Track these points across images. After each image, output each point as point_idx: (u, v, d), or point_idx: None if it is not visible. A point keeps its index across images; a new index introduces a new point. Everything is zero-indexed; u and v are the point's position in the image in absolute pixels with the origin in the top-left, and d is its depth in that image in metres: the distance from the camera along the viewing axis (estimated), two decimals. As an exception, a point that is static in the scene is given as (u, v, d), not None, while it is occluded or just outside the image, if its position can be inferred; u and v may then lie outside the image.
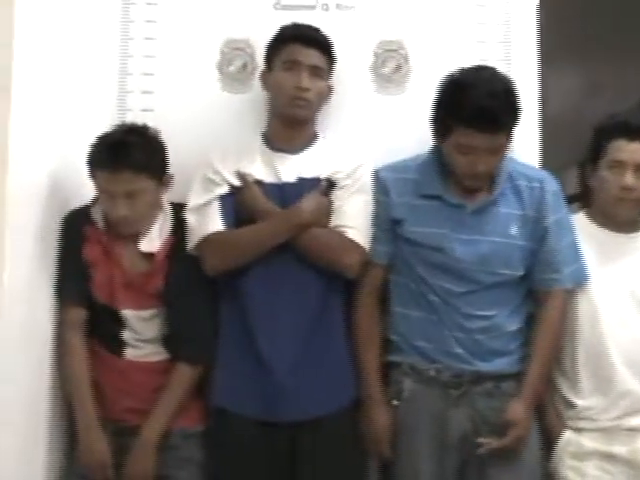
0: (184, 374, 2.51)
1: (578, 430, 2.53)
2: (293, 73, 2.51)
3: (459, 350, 2.44)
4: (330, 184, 2.53)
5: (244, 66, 2.75)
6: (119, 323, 2.52)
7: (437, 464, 2.43)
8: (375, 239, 2.53)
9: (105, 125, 2.57)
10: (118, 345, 2.53)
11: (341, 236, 2.49)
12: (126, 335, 2.53)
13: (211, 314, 2.53)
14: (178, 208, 2.55)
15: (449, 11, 2.76)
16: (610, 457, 2.50)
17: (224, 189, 2.52)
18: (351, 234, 2.49)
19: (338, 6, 2.75)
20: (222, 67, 2.76)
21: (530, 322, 2.52)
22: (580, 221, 2.62)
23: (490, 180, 2.48)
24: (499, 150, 2.41)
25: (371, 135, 2.71)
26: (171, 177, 2.55)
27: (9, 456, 2.27)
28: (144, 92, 2.75)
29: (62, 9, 2.54)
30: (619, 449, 2.50)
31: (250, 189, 2.51)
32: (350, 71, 2.70)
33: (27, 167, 2.34)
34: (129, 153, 2.42)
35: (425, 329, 2.47)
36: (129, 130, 2.51)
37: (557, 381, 2.56)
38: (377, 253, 2.53)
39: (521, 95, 2.43)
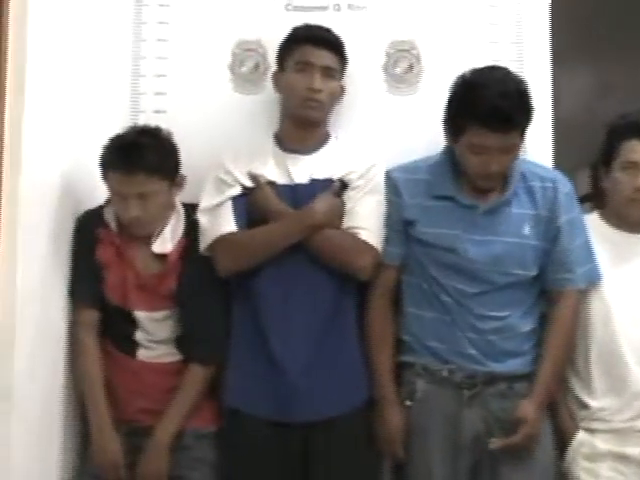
0: (197, 375, 2.51)
1: (591, 431, 2.52)
2: (305, 74, 2.51)
3: (472, 351, 2.44)
4: (343, 185, 2.53)
5: (256, 67, 2.76)
6: (132, 324, 2.53)
7: (450, 465, 2.43)
8: (387, 240, 2.52)
9: (118, 127, 2.58)
10: (131, 346, 2.53)
11: (354, 238, 2.49)
12: (139, 336, 2.53)
13: (224, 315, 2.54)
14: (191, 209, 2.55)
15: (461, 11, 2.76)
16: (623, 458, 2.49)
17: (236, 190, 2.53)
18: (364, 235, 2.49)
19: (350, 6, 2.75)
20: (234, 68, 2.76)
21: (543, 323, 2.51)
22: (593, 222, 2.61)
23: (503, 180, 2.48)
24: (512, 150, 2.41)
25: (383, 135, 2.70)
26: (183, 178, 2.55)
27: (23, 455, 2.27)
28: (157, 93, 2.75)
29: (75, 11, 2.55)
30: (632, 450, 2.49)
31: (263, 190, 2.52)
32: (362, 71, 2.69)
33: (40, 168, 2.34)
34: (142, 155, 2.43)
35: (438, 330, 2.47)
36: (142, 132, 2.52)
37: (570, 381, 2.56)
38: (389, 254, 2.53)
39: (533, 95, 2.42)
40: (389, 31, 2.75)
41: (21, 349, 2.24)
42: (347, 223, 2.50)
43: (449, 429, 2.43)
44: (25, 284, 2.25)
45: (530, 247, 2.46)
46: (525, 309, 2.49)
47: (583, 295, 2.53)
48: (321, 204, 2.49)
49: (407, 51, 2.75)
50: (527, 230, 2.46)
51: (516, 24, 2.75)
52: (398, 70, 2.75)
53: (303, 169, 2.54)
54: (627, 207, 2.57)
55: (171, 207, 2.55)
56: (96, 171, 2.49)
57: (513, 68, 2.56)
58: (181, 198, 2.58)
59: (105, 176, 2.49)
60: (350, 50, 2.59)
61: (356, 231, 2.49)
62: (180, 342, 2.54)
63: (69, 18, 2.51)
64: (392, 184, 2.54)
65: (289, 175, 2.54)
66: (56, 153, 2.47)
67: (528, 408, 2.42)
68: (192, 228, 2.54)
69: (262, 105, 2.72)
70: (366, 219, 2.50)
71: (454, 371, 2.45)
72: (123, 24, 2.76)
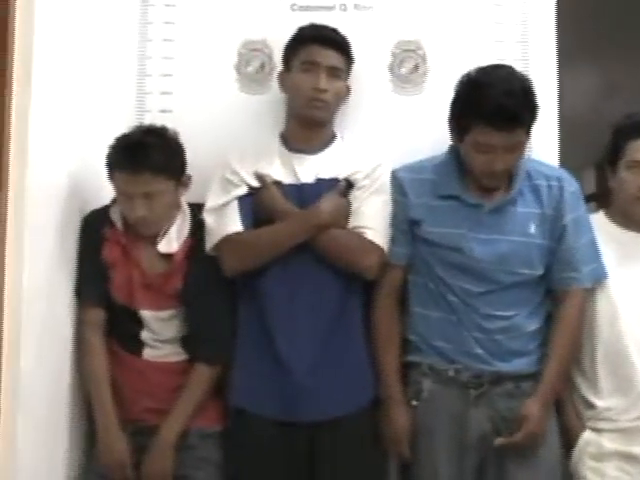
0: (202, 374, 2.51)
1: (598, 430, 2.51)
2: (311, 74, 2.51)
3: (478, 350, 2.44)
4: (348, 185, 2.53)
5: (262, 67, 2.76)
6: (138, 323, 2.53)
7: (456, 465, 2.43)
8: (393, 240, 2.52)
9: (124, 126, 2.58)
10: (137, 345, 2.54)
11: (360, 237, 2.49)
12: (145, 335, 2.53)
13: (229, 314, 2.54)
14: (197, 209, 2.55)
15: (467, 11, 2.75)
16: (630, 458, 2.48)
17: (242, 190, 2.53)
18: (370, 235, 2.49)
19: (356, 6, 2.75)
20: (240, 68, 2.76)
21: (549, 322, 2.51)
22: (599, 221, 2.61)
23: (508, 179, 2.48)
24: (517, 148, 2.40)
25: (389, 135, 2.70)
26: (189, 178, 2.56)
27: (30, 453, 2.27)
28: (163, 93, 2.76)
29: (81, 11, 2.55)
30: (639, 450, 2.48)
31: (269, 190, 2.52)
32: (368, 71, 2.69)
33: (46, 168, 2.35)
34: (148, 154, 2.43)
35: (444, 329, 2.47)
36: (148, 131, 2.52)
37: (576, 381, 2.55)
38: (395, 254, 2.53)
39: (539, 95, 2.42)
40: (395, 31, 2.75)
41: (27, 348, 2.24)
42: (353, 223, 2.50)
43: (455, 429, 2.43)
44: (31, 283, 2.25)
45: (536, 246, 2.46)
46: (531, 308, 2.48)
47: (589, 294, 2.52)
48: (327, 204, 2.49)
49: (413, 51, 2.75)
50: (533, 229, 2.46)
51: (522, 23, 2.75)
52: (404, 70, 2.75)
53: (309, 169, 2.54)
54: (633, 206, 2.57)
55: (177, 207, 2.55)
56: (102, 171, 2.50)
57: (519, 67, 2.56)
58: (187, 198, 2.58)
59: (111, 176, 2.49)
60: (356, 50, 2.59)
61: (362, 231, 2.49)
62: (186, 342, 2.54)
63: (75, 18, 2.52)
64: (398, 184, 2.54)
65: (295, 175, 2.54)
66: (62, 153, 2.48)
67: (532, 407, 2.42)
68: (198, 228, 2.54)
69: (268, 105, 2.72)
70: (372, 219, 2.50)
71: (460, 371, 2.45)
72: (129, 24, 2.76)
